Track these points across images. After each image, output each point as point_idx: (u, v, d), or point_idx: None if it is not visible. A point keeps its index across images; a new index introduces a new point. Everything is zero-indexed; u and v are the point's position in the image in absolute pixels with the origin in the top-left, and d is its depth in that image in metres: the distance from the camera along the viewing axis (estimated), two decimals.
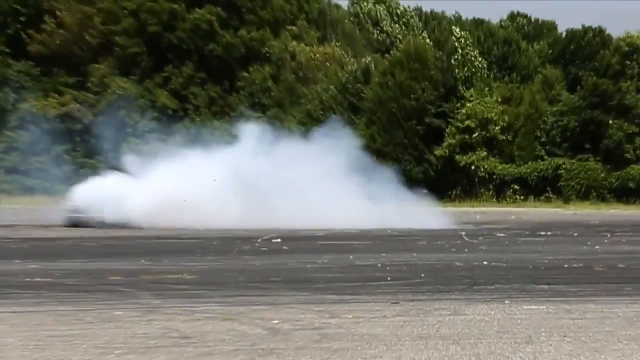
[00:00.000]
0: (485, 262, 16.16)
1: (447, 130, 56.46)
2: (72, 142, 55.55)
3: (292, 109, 57.71)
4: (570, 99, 57.10)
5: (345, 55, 61.59)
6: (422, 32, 65.36)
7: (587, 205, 51.68)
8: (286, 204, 28.77)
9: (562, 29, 66.94)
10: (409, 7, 71.39)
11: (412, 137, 55.84)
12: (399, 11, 70.05)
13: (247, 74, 60.62)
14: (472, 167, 55.64)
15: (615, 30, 65.85)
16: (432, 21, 70.92)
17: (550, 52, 64.42)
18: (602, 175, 54.35)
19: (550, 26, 68.79)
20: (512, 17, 68.64)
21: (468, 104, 56.41)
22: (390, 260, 16.46)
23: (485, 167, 55.69)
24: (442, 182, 55.43)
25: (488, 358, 7.41)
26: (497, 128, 56.13)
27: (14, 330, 8.68)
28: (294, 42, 61.56)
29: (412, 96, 55.95)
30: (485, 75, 59.30)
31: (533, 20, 68.88)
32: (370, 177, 31.72)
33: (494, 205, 52.83)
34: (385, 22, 68.20)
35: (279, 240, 22.49)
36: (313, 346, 7.88)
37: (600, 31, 62.36)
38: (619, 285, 12.66)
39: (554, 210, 47.91)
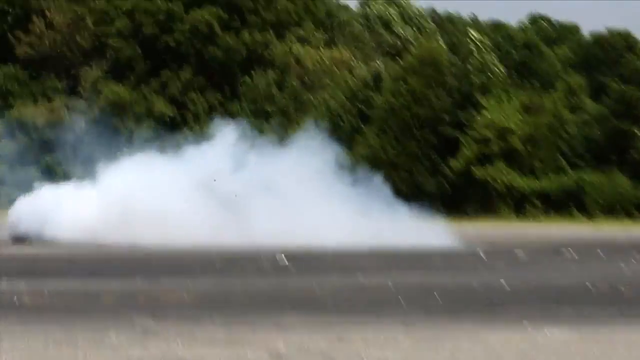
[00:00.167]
0: (502, 281, 16.14)
1: (463, 141, 56.33)
2: (61, 151, 55.50)
3: (297, 117, 57.68)
4: (594, 108, 56.98)
5: (354, 60, 61.61)
6: (437, 35, 65.38)
7: (613, 221, 51.55)
8: (260, 216, 27.51)
9: (585, 32, 66.99)
10: (422, 7, 71.46)
11: (425, 147, 55.73)
12: (411, 12, 70.06)
13: (249, 80, 60.67)
14: (490, 181, 55.53)
15: None
16: (447, 23, 70.95)
17: (573, 57, 64.34)
18: (629, 189, 54.20)
19: (573, 29, 68.70)
20: (533, 19, 68.57)
21: (485, 113, 56.28)
22: (402, 280, 16.46)
23: (504, 180, 55.58)
24: (458, 196, 55.28)
25: None
26: (516, 139, 56.03)
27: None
28: (299, 45, 61.59)
29: (425, 104, 55.93)
30: (504, 81, 59.23)
31: (555, 23, 68.87)
32: (364, 189, 30.76)
33: (513, 221, 52.71)
34: (396, 24, 68.24)
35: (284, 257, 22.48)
36: None
37: (626, 35, 62.31)
38: None
39: (577, 227, 47.80)
